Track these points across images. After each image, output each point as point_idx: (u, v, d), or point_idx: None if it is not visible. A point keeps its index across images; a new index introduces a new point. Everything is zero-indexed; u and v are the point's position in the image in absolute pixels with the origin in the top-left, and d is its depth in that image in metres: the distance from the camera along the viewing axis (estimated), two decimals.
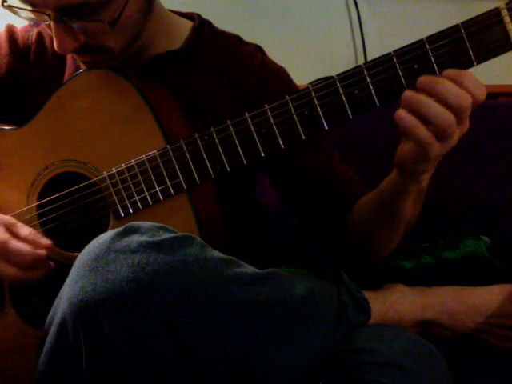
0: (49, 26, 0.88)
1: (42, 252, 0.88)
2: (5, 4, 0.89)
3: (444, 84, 0.77)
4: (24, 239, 0.88)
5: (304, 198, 1.09)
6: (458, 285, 0.96)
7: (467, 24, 0.78)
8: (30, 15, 0.89)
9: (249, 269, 0.79)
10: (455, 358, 0.83)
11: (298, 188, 1.08)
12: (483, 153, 1.44)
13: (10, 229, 0.89)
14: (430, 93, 0.77)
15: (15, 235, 0.88)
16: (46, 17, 0.86)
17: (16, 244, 0.87)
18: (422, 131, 0.77)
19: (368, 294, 0.89)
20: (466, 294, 0.94)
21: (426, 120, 0.77)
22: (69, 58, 1.05)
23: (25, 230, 0.89)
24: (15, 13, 0.89)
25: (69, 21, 0.86)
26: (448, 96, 0.76)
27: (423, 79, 0.78)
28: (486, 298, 0.93)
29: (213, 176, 0.89)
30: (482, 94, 0.78)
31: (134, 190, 0.91)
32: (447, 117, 0.76)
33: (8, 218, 0.91)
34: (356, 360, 0.77)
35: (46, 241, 0.89)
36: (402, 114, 0.78)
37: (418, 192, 0.89)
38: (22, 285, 0.90)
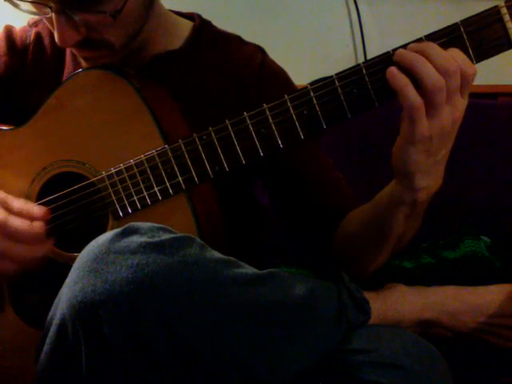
0: (49, 19, 0.88)
1: (40, 224, 0.87)
2: None
3: (433, 47, 0.77)
4: (19, 213, 0.87)
5: (295, 201, 1.07)
6: (458, 285, 0.96)
7: (466, 22, 0.78)
8: (31, 8, 0.88)
9: (248, 269, 0.79)
10: (455, 358, 0.83)
11: (290, 191, 1.07)
12: (483, 153, 1.44)
13: (3, 205, 0.87)
14: (419, 52, 0.77)
15: (10, 210, 0.87)
16: (48, 9, 0.86)
17: (14, 221, 0.85)
18: (412, 90, 0.77)
19: (368, 294, 0.89)
20: (465, 294, 0.94)
21: (416, 79, 0.77)
22: (68, 57, 1.05)
23: (17, 203, 0.88)
24: (15, 6, 0.89)
25: (71, 13, 0.86)
26: (436, 58, 0.76)
27: (413, 45, 0.79)
28: (486, 297, 0.93)
29: (212, 176, 0.89)
30: (469, 69, 0.77)
31: (132, 190, 0.91)
32: (436, 77, 0.76)
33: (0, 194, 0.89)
34: (356, 360, 0.77)
35: (40, 210, 0.88)
36: (394, 70, 0.78)
37: (413, 206, 0.86)
38: (28, 264, 0.88)
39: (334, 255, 1.04)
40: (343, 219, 1.02)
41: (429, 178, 0.83)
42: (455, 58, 0.77)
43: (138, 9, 0.92)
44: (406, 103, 0.77)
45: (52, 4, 0.85)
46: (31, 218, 0.87)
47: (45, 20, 0.92)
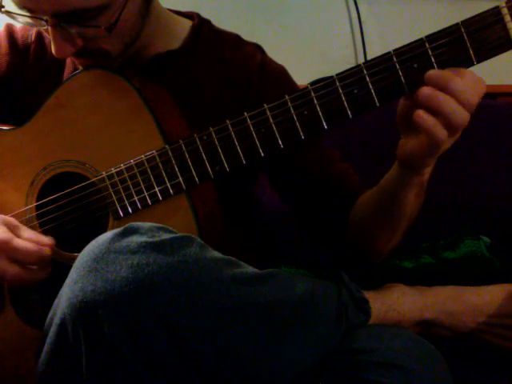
0: (47, 30, 0.89)
1: (47, 250, 0.87)
2: (2, 10, 0.89)
3: (457, 81, 0.77)
4: (27, 239, 0.88)
5: (304, 197, 1.08)
6: (458, 285, 0.96)
7: (467, 23, 0.78)
8: (28, 20, 0.89)
9: (249, 269, 0.79)
10: (455, 358, 0.83)
11: (297, 187, 1.08)
12: (483, 153, 1.44)
13: (12, 229, 0.88)
14: (441, 89, 0.77)
15: (18, 236, 0.88)
16: (44, 22, 0.87)
17: (21, 241, 0.86)
18: (440, 130, 0.78)
19: (368, 294, 0.89)
20: (465, 294, 0.94)
21: (442, 117, 0.77)
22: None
23: (27, 232, 0.89)
24: (13, 18, 0.90)
25: (66, 26, 0.87)
26: (461, 94, 0.77)
27: (434, 73, 0.78)
28: (485, 297, 0.93)
29: (212, 176, 0.89)
30: (483, 90, 0.79)
31: (133, 190, 0.91)
32: (464, 115, 0.77)
33: (10, 219, 0.90)
34: (356, 360, 0.77)
35: (48, 239, 0.89)
36: (422, 114, 0.78)
37: (420, 185, 0.89)
38: (23, 285, 0.89)
39: (348, 242, 1.05)
40: (353, 206, 1.03)
41: (433, 163, 0.86)
42: (475, 87, 0.78)
43: (134, 18, 0.92)
44: (434, 141, 0.79)
45: (47, 18, 0.86)
46: (39, 244, 0.88)
47: (43, 30, 0.92)
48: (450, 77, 0.78)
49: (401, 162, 0.87)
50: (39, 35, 1.06)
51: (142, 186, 0.91)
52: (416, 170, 0.86)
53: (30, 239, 0.88)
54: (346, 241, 1.05)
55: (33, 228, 0.95)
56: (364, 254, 1.04)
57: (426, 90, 0.78)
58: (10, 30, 1.07)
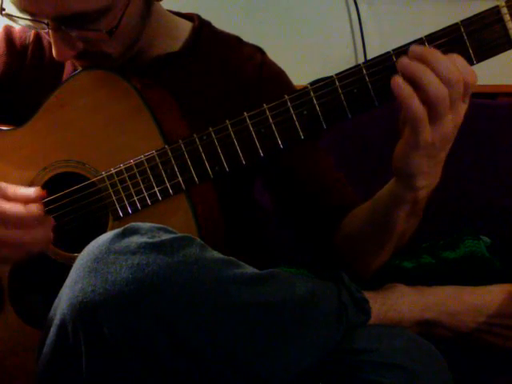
0: (47, 33, 0.89)
1: (36, 206, 0.85)
2: (3, 13, 0.89)
3: (436, 55, 0.76)
4: (14, 199, 0.85)
5: (295, 202, 1.07)
6: (458, 285, 0.96)
7: (467, 22, 0.78)
8: (29, 23, 0.89)
9: (249, 269, 0.79)
10: (455, 358, 0.83)
11: (290, 191, 1.07)
12: (483, 153, 1.44)
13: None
14: (421, 62, 0.76)
15: (4, 197, 0.85)
16: (45, 25, 0.87)
17: (9, 207, 0.83)
18: (416, 102, 0.76)
19: (368, 294, 0.89)
20: (466, 294, 0.94)
21: (419, 89, 0.76)
22: None
23: (11, 189, 0.86)
24: (14, 21, 0.90)
25: (67, 29, 0.87)
26: (438, 67, 0.75)
27: (416, 48, 0.77)
28: (485, 297, 0.93)
29: (212, 176, 0.89)
30: (470, 76, 0.77)
31: (132, 190, 0.91)
32: (440, 88, 0.75)
33: None
34: (356, 360, 0.77)
35: (36, 191, 0.86)
36: (399, 80, 0.77)
37: (414, 203, 0.86)
38: (30, 248, 0.86)
39: (335, 255, 1.04)
40: (344, 218, 1.02)
41: (429, 178, 0.83)
42: (457, 66, 0.77)
43: (135, 20, 0.92)
44: (410, 114, 0.77)
45: (48, 21, 0.86)
46: (26, 200, 0.85)
47: (43, 33, 0.92)
48: (432, 52, 0.77)
49: (393, 167, 0.85)
50: (37, 36, 1.06)
51: (142, 186, 0.91)
52: (406, 179, 0.83)
53: (17, 197, 0.85)
54: (333, 249, 1.04)
55: None
56: (351, 268, 1.02)
57: (403, 60, 0.77)
58: (7, 32, 1.07)
